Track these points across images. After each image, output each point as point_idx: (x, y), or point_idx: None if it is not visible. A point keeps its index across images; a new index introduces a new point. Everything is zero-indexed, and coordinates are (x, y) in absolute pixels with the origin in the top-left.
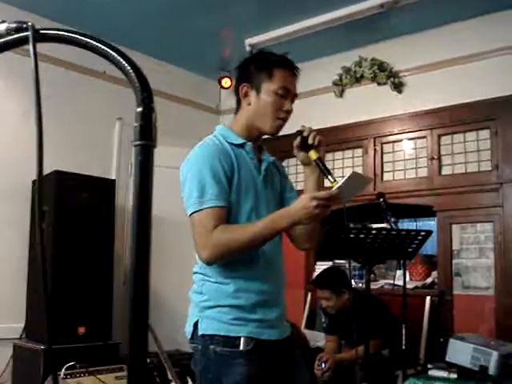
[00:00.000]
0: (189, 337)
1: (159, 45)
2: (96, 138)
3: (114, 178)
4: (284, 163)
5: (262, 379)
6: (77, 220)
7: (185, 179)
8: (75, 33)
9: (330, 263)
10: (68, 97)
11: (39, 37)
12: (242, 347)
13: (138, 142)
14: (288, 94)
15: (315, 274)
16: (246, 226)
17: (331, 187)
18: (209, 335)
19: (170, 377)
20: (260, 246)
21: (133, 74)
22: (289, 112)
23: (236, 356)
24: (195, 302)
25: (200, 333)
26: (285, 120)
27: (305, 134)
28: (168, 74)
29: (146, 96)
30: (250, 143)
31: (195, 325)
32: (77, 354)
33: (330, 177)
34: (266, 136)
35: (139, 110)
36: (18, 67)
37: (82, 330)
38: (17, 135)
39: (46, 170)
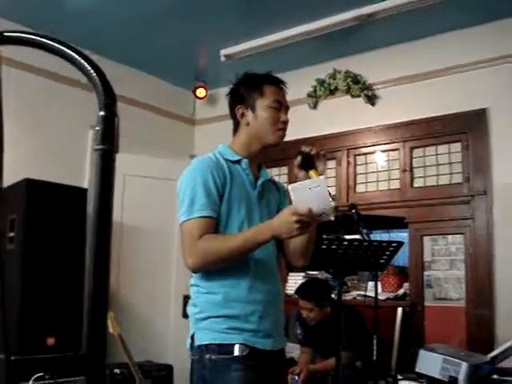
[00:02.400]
0: (188, 351)
1: (134, 54)
2: (68, 146)
3: (86, 186)
4: (275, 171)
5: None
6: (47, 229)
7: (179, 190)
8: (40, 36)
9: (302, 274)
10: (40, 104)
11: (2, 39)
12: (237, 353)
13: (98, 147)
14: (281, 107)
15: (287, 285)
16: (231, 236)
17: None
18: (204, 345)
19: None
20: (243, 256)
21: (96, 78)
22: (285, 122)
23: (231, 362)
24: (191, 314)
25: (196, 344)
26: (284, 130)
27: (306, 150)
28: (143, 83)
29: (108, 100)
30: (246, 160)
31: (192, 337)
32: (45, 365)
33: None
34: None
35: (101, 113)
36: None
37: (51, 340)
38: None
39: (17, 178)
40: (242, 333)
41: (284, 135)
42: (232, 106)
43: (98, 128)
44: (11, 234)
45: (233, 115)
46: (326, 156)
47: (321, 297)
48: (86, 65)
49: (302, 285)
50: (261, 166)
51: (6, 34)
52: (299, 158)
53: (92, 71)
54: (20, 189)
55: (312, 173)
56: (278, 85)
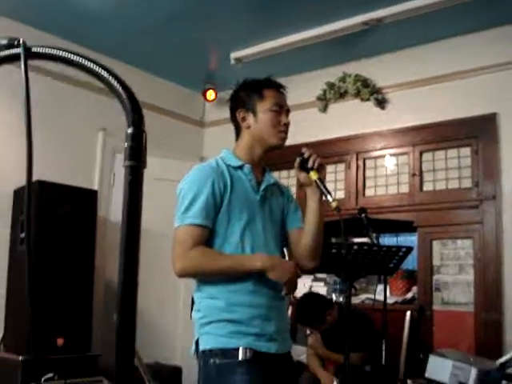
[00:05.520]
0: (193, 356)
1: (145, 57)
2: (79, 148)
3: (96, 188)
4: (275, 174)
5: None
6: (58, 230)
7: (178, 196)
8: (67, 51)
9: (311, 277)
10: (50, 106)
11: (31, 54)
12: (240, 357)
13: (128, 163)
14: (282, 110)
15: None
16: (222, 255)
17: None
18: (208, 350)
19: None
20: (229, 276)
21: (124, 96)
22: (287, 125)
23: (236, 366)
24: (195, 320)
25: (200, 349)
26: (286, 132)
27: (305, 155)
28: (153, 85)
29: (136, 118)
30: (248, 165)
31: (196, 343)
32: (55, 366)
33: (329, 197)
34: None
35: (130, 131)
36: (4, 78)
37: (60, 341)
38: None
39: None
40: (245, 336)
41: (286, 137)
42: (233, 111)
43: (126, 145)
44: (22, 235)
45: (234, 120)
46: (324, 167)
47: (316, 320)
48: (115, 83)
49: (298, 311)
50: (265, 170)
51: (34, 49)
52: (298, 160)
53: (121, 89)
54: (31, 190)
55: (312, 174)
56: (278, 89)
